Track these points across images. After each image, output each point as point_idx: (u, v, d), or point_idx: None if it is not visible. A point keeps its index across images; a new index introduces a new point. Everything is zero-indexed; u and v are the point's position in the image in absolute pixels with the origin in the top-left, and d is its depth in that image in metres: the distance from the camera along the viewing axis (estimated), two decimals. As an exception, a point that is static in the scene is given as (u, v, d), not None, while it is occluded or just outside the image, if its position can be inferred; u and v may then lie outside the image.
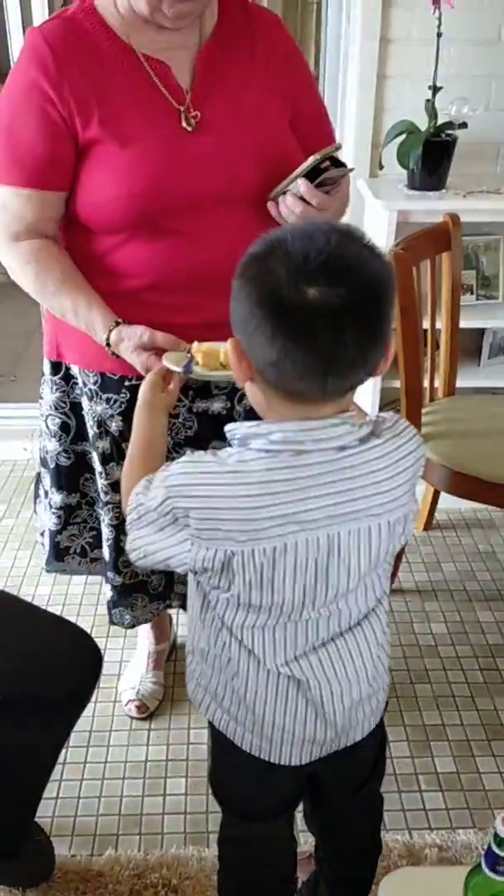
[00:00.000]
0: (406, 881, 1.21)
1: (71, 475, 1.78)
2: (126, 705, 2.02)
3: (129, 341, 1.43)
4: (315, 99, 1.62)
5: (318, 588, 1.06)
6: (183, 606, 1.93)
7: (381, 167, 2.51)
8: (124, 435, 1.63)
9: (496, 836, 0.91)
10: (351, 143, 2.55)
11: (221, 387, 1.61)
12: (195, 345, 1.36)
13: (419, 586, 2.45)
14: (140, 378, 1.56)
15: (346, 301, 0.93)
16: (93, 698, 1.50)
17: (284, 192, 1.44)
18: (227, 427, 1.05)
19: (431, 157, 2.36)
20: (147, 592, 1.85)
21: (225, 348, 1.31)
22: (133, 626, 1.93)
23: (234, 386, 1.61)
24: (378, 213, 2.41)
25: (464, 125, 2.34)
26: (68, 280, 1.49)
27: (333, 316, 0.93)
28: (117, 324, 1.46)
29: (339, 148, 1.43)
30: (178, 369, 1.34)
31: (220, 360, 1.33)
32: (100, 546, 1.86)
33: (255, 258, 0.97)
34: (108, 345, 1.47)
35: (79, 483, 1.80)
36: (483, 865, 0.94)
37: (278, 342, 0.94)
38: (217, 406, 1.63)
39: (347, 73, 2.54)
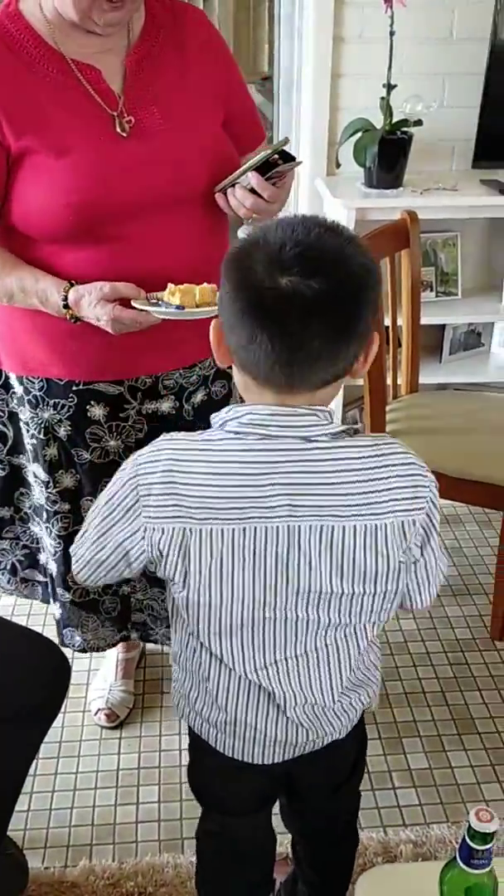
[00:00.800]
0: (382, 879, 1.22)
1: (4, 487, 1.74)
2: (95, 714, 2.00)
3: (91, 295, 1.39)
4: (245, 96, 1.61)
5: (279, 584, 1.05)
6: (143, 638, 1.91)
7: (338, 165, 2.52)
8: (73, 440, 1.61)
9: (470, 829, 0.92)
10: (307, 141, 2.56)
11: (169, 387, 1.60)
12: (170, 286, 1.36)
13: (387, 583, 2.45)
14: (87, 383, 1.54)
15: (318, 293, 0.93)
16: (62, 708, 1.48)
17: (233, 185, 1.44)
18: (213, 415, 1.06)
19: (388, 154, 2.38)
20: (99, 613, 1.81)
21: (199, 288, 1.35)
22: (84, 651, 1.87)
23: (181, 385, 1.61)
24: (336, 211, 2.41)
25: (419, 123, 2.36)
26: (7, 264, 1.45)
27: (303, 306, 0.93)
28: (71, 285, 1.41)
29: (287, 142, 1.43)
30: (171, 309, 1.33)
31: (195, 299, 1.35)
32: (32, 566, 1.83)
33: (242, 245, 1.00)
34: (66, 307, 1.41)
35: (12, 497, 1.76)
36: (458, 859, 0.94)
37: (248, 326, 0.95)
38: (166, 406, 1.62)
39: (302, 72, 2.54)
